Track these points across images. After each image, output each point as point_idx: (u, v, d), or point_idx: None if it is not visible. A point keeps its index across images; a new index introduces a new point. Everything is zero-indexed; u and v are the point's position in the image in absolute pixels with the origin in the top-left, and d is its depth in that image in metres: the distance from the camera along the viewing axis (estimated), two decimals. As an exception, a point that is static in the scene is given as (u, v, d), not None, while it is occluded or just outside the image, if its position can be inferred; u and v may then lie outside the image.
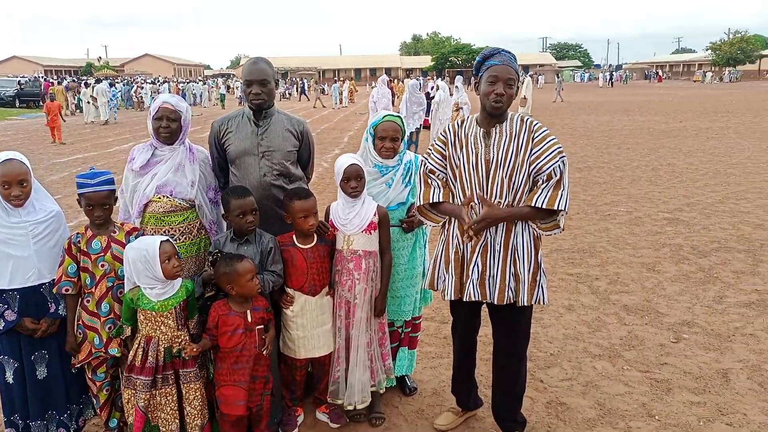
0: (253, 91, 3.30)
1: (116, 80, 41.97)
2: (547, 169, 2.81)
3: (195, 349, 2.85)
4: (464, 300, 2.97)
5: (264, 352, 3.01)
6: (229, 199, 3.08)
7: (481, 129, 2.93)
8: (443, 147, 3.03)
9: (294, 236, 3.20)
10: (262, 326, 3.02)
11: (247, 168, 3.37)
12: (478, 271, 2.91)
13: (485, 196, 2.87)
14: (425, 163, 3.07)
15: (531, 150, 2.84)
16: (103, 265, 2.87)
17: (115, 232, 2.93)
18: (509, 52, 2.90)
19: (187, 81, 51.24)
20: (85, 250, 2.85)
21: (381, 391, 3.42)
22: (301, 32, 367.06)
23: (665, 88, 54.45)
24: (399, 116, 3.42)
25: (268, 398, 3.14)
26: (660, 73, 76.04)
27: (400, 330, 3.51)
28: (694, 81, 67.17)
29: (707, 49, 76.95)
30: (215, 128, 3.48)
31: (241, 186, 3.23)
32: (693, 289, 5.33)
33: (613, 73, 67.76)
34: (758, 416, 3.38)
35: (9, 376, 2.90)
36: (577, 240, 6.93)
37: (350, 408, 3.32)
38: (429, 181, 3.05)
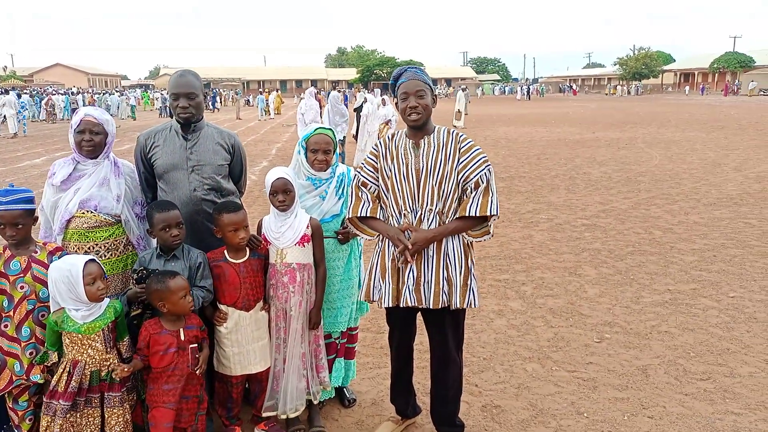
0: (180, 104, 3.24)
1: (24, 91, 39.57)
2: (474, 177, 2.94)
3: (126, 370, 2.73)
4: (401, 306, 3.02)
5: (197, 372, 2.93)
6: (153, 213, 3.00)
7: (411, 141, 3.05)
8: (375, 160, 3.13)
9: (225, 251, 3.15)
10: (195, 345, 2.95)
11: (176, 183, 3.29)
12: (413, 277, 2.98)
13: (417, 205, 2.97)
14: (358, 176, 3.14)
15: (458, 159, 2.97)
16: (22, 287, 2.70)
17: (36, 252, 2.78)
18: (415, 67, 3.10)
19: (103, 92, 49.18)
20: (3, 271, 2.69)
21: (315, 402, 3.39)
22: (223, 42, 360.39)
23: (578, 100, 57.37)
24: (331, 129, 3.44)
25: (202, 418, 3.05)
26: (574, 87, 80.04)
27: (337, 341, 3.51)
28: (612, 93, 71.22)
29: (615, 64, 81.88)
30: (141, 142, 3.38)
31: (165, 200, 3.15)
32: (612, 291, 5.63)
33: (530, 86, 70.68)
34: (676, 408, 3.61)
35: None
36: (503, 247, 7.16)
37: (283, 417, 3.28)
38: (360, 194, 3.12)
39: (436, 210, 2.97)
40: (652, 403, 3.67)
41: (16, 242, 2.75)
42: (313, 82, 74.60)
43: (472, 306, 3.04)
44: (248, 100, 51.11)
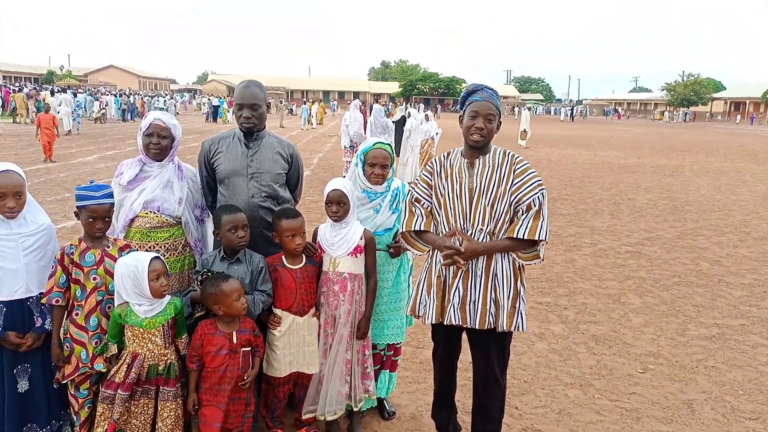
0: (244, 114, 3.36)
1: (79, 90, 41.05)
2: (527, 199, 2.93)
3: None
4: (445, 324, 3.04)
5: (246, 378, 3.00)
6: (221, 215, 3.11)
7: (465, 160, 3.06)
8: (430, 177, 3.15)
9: (283, 257, 3.23)
10: (248, 348, 3.02)
11: (236, 189, 3.39)
12: (459, 295, 2.99)
13: (468, 224, 2.98)
14: (412, 192, 3.18)
15: (512, 181, 2.97)
16: (94, 279, 2.84)
17: (108, 247, 2.91)
18: (491, 89, 3.06)
19: (152, 95, 50.67)
20: (78, 262, 2.83)
21: (356, 409, 3.41)
22: (269, 51, 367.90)
23: (623, 124, 56.43)
24: (389, 144, 3.50)
25: (249, 420, 3.12)
26: (619, 111, 78.81)
27: (382, 353, 3.55)
28: (659, 119, 69.88)
29: (663, 89, 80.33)
30: (205, 147, 3.51)
31: (231, 204, 3.26)
32: (657, 321, 5.52)
33: (574, 108, 69.94)
34: (723, 445, 3.53)
35: (-12, 389, 2.81)
36: (545, 270, 7.10)
37: (321, 418, 3.32)
38: (413, 209, 3.15)
39: (487, 230, 2.98)
40: (698, 438, 3.59)
41: (101, 235, 2.89)
42: (356, 94, 75.31)
43: (520, 329, 3.04)
44: (292, 109, 51.91)
